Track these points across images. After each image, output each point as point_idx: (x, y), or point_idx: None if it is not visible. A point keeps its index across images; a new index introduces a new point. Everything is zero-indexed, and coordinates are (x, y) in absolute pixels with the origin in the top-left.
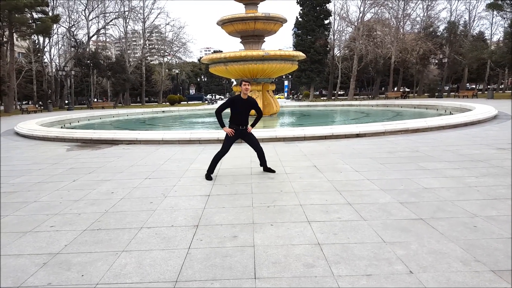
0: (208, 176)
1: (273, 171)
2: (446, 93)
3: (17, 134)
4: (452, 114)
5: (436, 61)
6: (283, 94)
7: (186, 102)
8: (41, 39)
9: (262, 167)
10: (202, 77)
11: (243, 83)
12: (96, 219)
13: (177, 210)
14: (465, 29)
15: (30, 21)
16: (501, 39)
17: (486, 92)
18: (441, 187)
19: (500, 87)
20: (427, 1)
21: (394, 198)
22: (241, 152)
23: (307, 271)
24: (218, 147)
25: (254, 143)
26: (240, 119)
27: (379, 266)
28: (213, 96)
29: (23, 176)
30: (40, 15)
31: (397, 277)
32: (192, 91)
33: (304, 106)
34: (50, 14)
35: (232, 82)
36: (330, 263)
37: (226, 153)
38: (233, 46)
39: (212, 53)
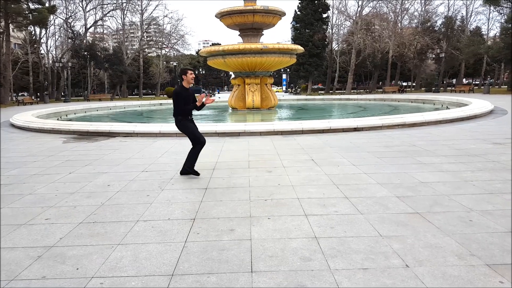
0: (195, 172)
1: (198, 174)
2: (443, 88)
3: (13, 126)
4: (449, 108)
5: (433, 55)
6: (281, 87)
7: None
8: (37, 30)
9: (183, 168)
10: (200, 69)
11: (189, 71)
12: (92, 212)
13: (174, 203)
14: (462, 24)
15: (27, 12)
16: (497, 34)
17: (482, 87)
18: (438, 181)
19: (496, 82)
20: None
21: (391, 192)
22: (239, 145)
23: (304, 265)
24: (215, 141)
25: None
26: (189, 110)
27: (376, 260)
28: (213, 90)
29: (19, 168)
30: (36, 6)
31: (393, 271)
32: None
33: (302, 99)
34: (47, 4)
35: (230, 75)
36: (327, 257)
37: (203, 145)
38: (231, 39)
39: (210, 45)
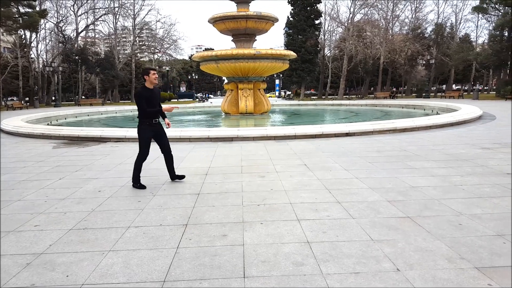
0: (140, 185)
1: (183, 177)
2: (433, 94)
3: (2, 131)
4: (439, 114)
5: (424, 62)
6: (274, 92)
7: (176, 100)
8: (28, 34)
9: (169, 175)
10: (193, 74)
11: (151, 71)
12: (83, 218)
13: (166, 209)
14: (451, 31)
15: (17, 16)
16: (486, 41)
17: (471, 93)
18: (428, 185)
19: (485, 88)
20: (415, 3)
21: (382, 197)
22: (232, 150)
23: (296, 270)
24: (208, 146)
25: (166, 144)
26: (153, 112)
27: (367, 264)
28: (204, 95)
29: (7, 174)
30: (27, 10)
31: (384, 275)
32: (183, 89)
33: (295, 105)
34: (38, 8)
35: (224, 80)
36: (319, 261)
37: (147, 156)
38: (224, 44)
39: (203, 50)
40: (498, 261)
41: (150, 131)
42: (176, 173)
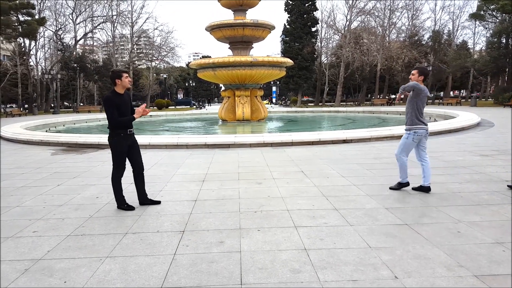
0: (128, 206)
1: (158, 202)
2: (430, 100)
3: (1, 137)
4: (436, 121)
5: None
6: (267, 100)
7: (174, 107)
8: (27, 41)
9: (139, 200)
10: (190, 82)
11: (124, 74)
12: (80, 224)
13: (163, 215)
14: (449, 38)
15: (16, 24)
16: (483, 48)
17: (469, 99)
18: (426, 192)
19: (483, 94)
20: (412, 10)
21: (379, 204)
22: (229, 157)
23: (294, 277)
24: (205, 152)
25: (138, 161)
26: (126, 121)
27: (365, 272)
28: (203, 102)
29: (6, 180)
30: (26, 18)
31: (382, 283)
32: (180, 96)
33: (292, 112)
34: (37, 17)
35: (221, 87)
36: (317, 269)
37: (124, 170)
38: (221, 51)
39: (200, 58)
40: (497, 269)
41: (125, 144)
42: (152, 198)
